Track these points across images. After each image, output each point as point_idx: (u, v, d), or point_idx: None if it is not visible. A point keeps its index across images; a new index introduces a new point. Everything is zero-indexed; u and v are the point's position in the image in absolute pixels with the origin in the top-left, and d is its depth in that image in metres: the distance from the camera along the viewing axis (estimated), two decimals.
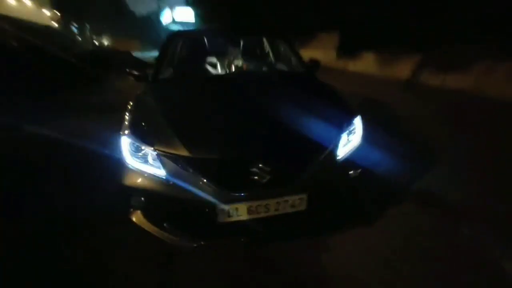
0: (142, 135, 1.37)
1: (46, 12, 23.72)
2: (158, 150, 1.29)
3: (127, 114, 1.57)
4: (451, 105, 4.71)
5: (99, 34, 28.89)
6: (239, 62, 2.43)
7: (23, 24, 14.24)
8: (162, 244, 1.33)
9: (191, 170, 1.24)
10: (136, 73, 2.12)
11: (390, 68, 7.57)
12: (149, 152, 1.32)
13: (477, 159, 2.56)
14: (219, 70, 2.41)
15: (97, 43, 27.22)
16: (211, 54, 2.45)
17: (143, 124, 1.45)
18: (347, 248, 1.54)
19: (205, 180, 1.23)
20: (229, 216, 1.26)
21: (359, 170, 1.45)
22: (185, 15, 22.91)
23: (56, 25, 22.00)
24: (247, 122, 1.43)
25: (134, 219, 1.39)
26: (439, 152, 2.71)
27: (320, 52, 11.33)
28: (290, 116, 1.47)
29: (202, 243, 1.32)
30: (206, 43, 2.56)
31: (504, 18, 4.80)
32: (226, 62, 2.44)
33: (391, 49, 7.38)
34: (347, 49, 9.21)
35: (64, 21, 21.96)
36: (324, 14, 10.05)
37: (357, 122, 1.57)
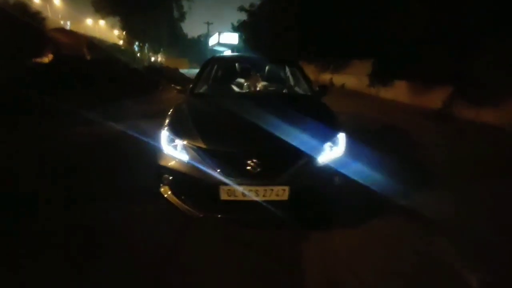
0: (176, 131, 1.93)
1: (115, 32, 27.81)
2: (185, 142, 1.82)
3: (168, 116, 2.17)
4: (480, 138, 4.64)
5: (155, 52, 32.67)
6: (260, 84, 2.99)
7: (95, 41, 17.01)
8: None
9: (204, 158, 1.74)
10: (178, 87, 2.77)
11: (422, 97, 7.54)
12: (179, 143, 1.86)
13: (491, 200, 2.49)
14: (244, 89, 2.99)
15: (152, 59, 30.82)
16: (238, 76, 3.06)
17: (177, 123, 2.03)
18: (313, 245, 1.83)
19: (214, 166, 1.71)
20: (228, 195, 1.71)
21: (341, 178, 1.81)
22: (230, 38, 25.13)
23: (121, 42, 25.65)
24: (251, 128, 1.89)
25: (162, 191, 1.91)
26: (447, 183, 2.80)
27: (353, 78, 11.60)
28: (286, 127, 1.91)
29: (208, 214, 1.78)
30: (237, 67, 3.19)
31: None
32: (249, 83, 3.01)
33: (424, 79, 7.39)
34: (380, 76, 9.35)
35: (128, 40, 25.48)
36: (360, 42, 10.42)
37: (341, 137, 1.95)
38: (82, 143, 3.75)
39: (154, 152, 1.97)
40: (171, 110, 2.31)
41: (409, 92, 8.13)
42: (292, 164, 1.74)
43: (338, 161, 1.85)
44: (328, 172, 1.80)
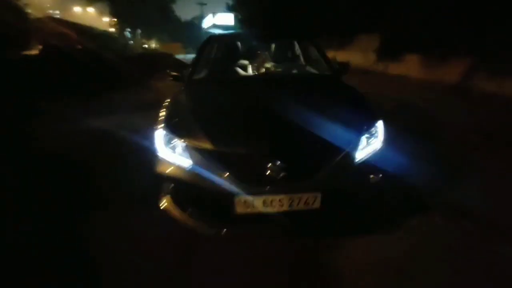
0: (174, 129, 1.54)
1: (105, 19, 26.62)
2: (186, 142, 1.45)
3: (163, 110, 1.77)
4: (506, 114, 4.21)
5: (148, 38, 31.51)
6: (269, 65, 2.54)
7: (85, 29, 16.21)
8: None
9: (214, 162, 1.37)
10: (174, 73, 2.35)
11: (436, 71, 7.00)
12: (179, 143, 1.48)
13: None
14: (250, 71, 2.55)
15: (146, 47, 29.72)
16: (243, 57, 2.60)
17: (176, 119, 1.63)
18: (361, 255, 1.50)
19: (225, 172, 1.35)
20: (245, 207, 1.36)
21: (379, 175, 1.45)
22: (225, 20, 23.90)
23: (112, 30, 24.57)
24: (269, 121, 1.51)
25: (164, 203, 1.57)
26: (477, 166, 2.46)
27: (359, 54, 10.93)
28: (310, 117, 1.52)
29: (219, 230, 1.44)
30: (239, 46, 2.73)
31: None
32: (256, 64, 2.57)
33: (438, 51, 6.83)
34: (388, 51, 8.74)
35: (119, 27, 24.41)
36: (364, 15, 9.70)
37: (379, 126, 1.56)
38: (71, 142, 3.37)
39: (148, 156, 1.61)
40: (166, 102, 1.90)
41: (422, 66, 7.58)
42: (324, 165, 1.37)
43: (378, 155, 1.48)
44: (367, 170, 1.43)
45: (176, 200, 1.52)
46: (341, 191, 1.40)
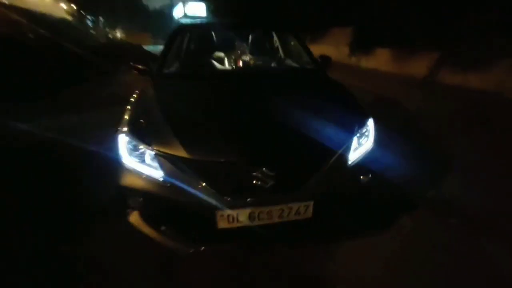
0: (140, 133, 1.30)
1: (63, 6, 24.17)
2: (156, 150, 1.22)
3: (127, 110, 1.51)
4: (470, 105, 4.45)
5: (113, 28, 29.29)
6: (247, 57, 2.33)
7: (39, 16, 14.57)
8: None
9: (189, 172, 1.17)
10: (140, 66, 2.05)
11: (406, 65, 7.26)
12: (147, 151, 1.25)
13: (497, 165, 2.38)
14: (226, 65, 2.32)
15: (110, 36, 27.62)
16: (217, 48, 2.36)
17: (142, 121, 1.38)
18: (354, 258, 1.44)
19: (204, 184, 1.16)
20: (229, 222, 1.19)
21: (369, 175, 1.34)
22: (197, 10, 22.85)
23: (71, 18, 22.39)
24: (252, 123, 1.34)
25: (131, 220, 1.34)
26: (455, 156, 2.52)
27: (332, 47, 11.02)
28: (298, 117, 1.38)
29: (199, 248, 1.25)
30: (213, 37, 2.47)
31: None
32: (233, 57, 2.34)
33: (407, 46, 7.06)
34: (360, 45, 8.90)
35: (79, 14, 22.31)
36: (337, 9, 9.76)
37: (370, 124, 1.46)
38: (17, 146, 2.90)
39: (110, 164, 1.35)
40: (131, 101, 1.63)
41: (392, 60, 7.81)
42: (316, 170, 1.23)
43: (370, 155, 1.38)
44: (360, 172, 1.32)
45: (146, 216, 1.30)
46: (334, 197, 1.28)
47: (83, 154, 2.30)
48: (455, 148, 2.73)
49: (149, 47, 16.22)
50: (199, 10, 22.68)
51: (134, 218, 1.33)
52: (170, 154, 1.20)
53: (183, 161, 1.18)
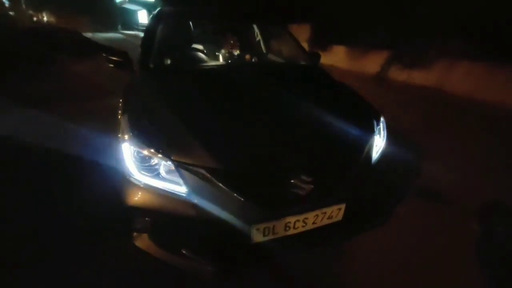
0: (151, 141, 1.08)
1: None
2: (176, 161, 1.03)
3: (123, 112, 1.25)
4: (416, 98, 5.07)
5: (37, 10, 24.93)
6: (242, 51, 2.17)
7: None
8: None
9: (220, 185, 1.01)
10: (115, 58, 1.74)
11: (360, 62, 7.85)
12: (162, 162, 1.05)
13: (454, 147, 2.73)
14: (219, 58, 2.13)
15: (35, 19, 23.48)
16: (208, 39, 2.14)
17: (149, 126, 1.15)
18: (364, 250, 1.50)
19: (238, 196, 1.02)
20: (264, 235, 1.08)
21: (389, 171, 1.38)
22: None
23: None
24: (276, 126, 1.24)
25: (138, 243, 1.13)
26: (418, 143, 2.81)
27: None
28: (319, 118, 1.33)
29: (230, 268, 1.12)
30: (203, 26, 2.23)
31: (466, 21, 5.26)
32: (225, 49, 2.16)
33: (361, 44, 7.64)
34: (318, 42, 9.30)
35: None
36: (296, 6, 9.99)
37: (382, 121, 1.49)
38: None
39: (106, 176, 1.11)
40: (122, 101, 1.36)
41: (347, 57, 8.37)
42: (348, 172, 1.19)
43: (386, 152, 1.41)
44: (381, 170, 1.34)
45: (160, 239, 1.10)
46: (364, 197, 1.27)
47: None
48: (415, 137, 3.04)
49: (88, 34, 14.24)
50: None
51: (143, 241, 1.12)
52: (195, 166, 1.02)
53: (212, 172, 1.02)
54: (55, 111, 3.21)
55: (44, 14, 25.94)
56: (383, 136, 1.46)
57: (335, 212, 1.18)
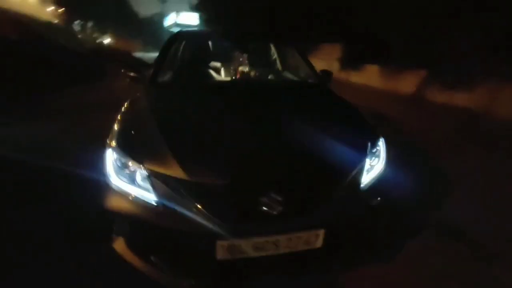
0: (131, 149, 1.15)
1: (49, 8, 23.57)
2: (149, 169, 1.07)
3: (117, 121, 1.35)
4: (457, 122, 4.57)
5: (101, 33, 28.80)
6: (246, 69, 2.24)
7: (23, 18, 14.13)
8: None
9: (187, 196, 1.02)
10: (131, 74, 1.91)
11: (394, 82, 7.46)
12: (138, 170, 1.10)
13: (492, 182, 2.36)
14: (224, 76, 2.21)
15: (98, 42, 27.10)
16: (216, 58, 2.26)
17: (133, 135, 1.24)
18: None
19: (204, 209, 1.01)
20: (230, 253, 1.04)
21: (383, 199, 1.25)
22: (189, 19, 22.98)
23: (57, 21, 21.82)
24: (257, 142, 1.22)
25: (115, 247, 1.17)
26: (451, 174, 2.49)
27: (323, 62, 11.23)
28: (307, 136, 1.28)
29: (194, 282, 1.09)
30: (211, 46, 2.37)
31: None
32: (232, 68, 2.25)
33: (395, 63, 7.29)
34: (350, 61, 9.13)
35: (66, 17, 21.84)
36: (328, 25, 10.03)
37: (381, 144, 1.38)
38: None
39: (94, 183, 1.19)
40: (121, 111, 1.48)
41: (381, 77, 8.02)
42: (328, 194, 1.11)
43: (383, 177, 1.28)
44: (373, 196, 1.22)
45: (133, 244, 1.13)
46: (346, 224, 1.16)
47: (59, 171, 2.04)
48: (454, 167, 2.72)
49: (139, 54, 15.99)
50: (192, 20, 22.82)
51: (119, 245, 1.16)
52: (165, 175, 1.05)
53: (181, 183, 1.04)
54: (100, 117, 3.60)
55: (105, 37, 29.87)
56: (382, 161, 1.34)
57: (313, 238, 1.09)
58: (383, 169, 1.31)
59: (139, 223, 1.08)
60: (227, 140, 1.24)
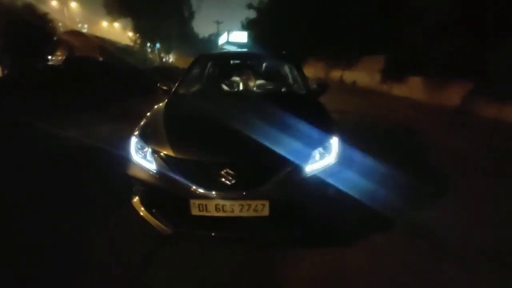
0: (145, 136, 1.73)
1: (128, 33, 28.33)
2: (152, 148, 1.62)
3: (143, 119, 1.98)
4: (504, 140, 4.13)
5: (166, 52, 33.05)
6: (248, 82, 2.74)
7: (108, 43, 17.43)
8: None
9: (173, 167, 1.53)
10: (164, 87, 2.56)
11: (438, 94, 7.01)
12: (148, 150, 1.66)
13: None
14: (231, 88, 2.75)
15: (164, 60, 31.22)
16: (227, 74, 2.82)
17: (148, 126, 1.85)
18: (311, 268, 1.57)
19: (183, 177, 1.50)
20: (200, 210, 1.50)
21: (329, 189, 1.55)
22: (239, 37, 24.98)
23: (134, 44, 26.09)
24: (230, 133, 1.66)
25: (133, 203, 1.73)
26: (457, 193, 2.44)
27: (365, 74, 11.09)
28: (271, 131, 1.65)
29: (177, 230, 1.58)
30: (225, 65, 2.96)
31: None
32: (236, 82, 2.77)
33: (440, 75, 6.86)
34: (392, 73, 8.84)
35: (141, 41, 25.93)
36: (371, 37, 9.93)
37: (334, 142, 1.68)
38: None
39: (123, 160, 1.78)
40: (148, 113, 2.12)
41: (424, 89, 7.60)
42: (272, 175, 1.49)
43: (329, 170, 1.58)
44: (317, 183, 1.54)
45: (144, 200, 1.67)
46: (287, 200, 1.51)
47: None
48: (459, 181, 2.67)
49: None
50: (241, 37, 24.73)
51: (135, 202, 1.72)
52: (161, 152, 1.58)
53: (169, 158, 1.55)
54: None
55: (170, 56, 34.18)
56: (333, 156, 1.63)
57: (260, 207, 1.47)
58: (332, 163, 1.61)
59: (146, 185, 1.62)
60: (209, 131, 1.73)
